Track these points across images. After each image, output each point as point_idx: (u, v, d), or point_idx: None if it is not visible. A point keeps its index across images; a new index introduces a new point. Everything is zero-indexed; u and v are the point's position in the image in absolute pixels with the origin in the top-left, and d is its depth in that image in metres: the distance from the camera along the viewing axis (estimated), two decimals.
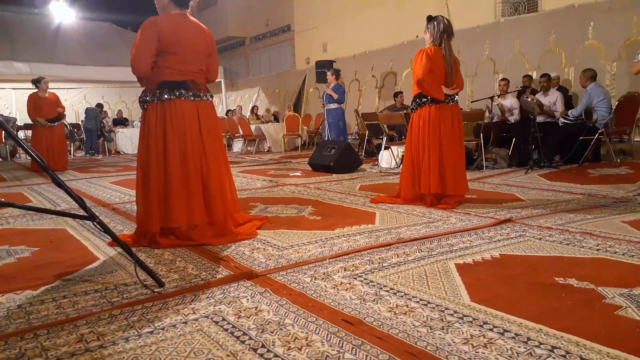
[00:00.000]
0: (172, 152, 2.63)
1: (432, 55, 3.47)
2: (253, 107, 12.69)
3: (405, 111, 7.08)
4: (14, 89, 13.02)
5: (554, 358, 1.30)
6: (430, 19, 3.57)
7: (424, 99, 3.58)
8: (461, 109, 7.50)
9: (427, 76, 3.48)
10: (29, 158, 6.94)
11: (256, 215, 3.31)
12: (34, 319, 1.68)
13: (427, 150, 3.54)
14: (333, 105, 7.56)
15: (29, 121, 8.02)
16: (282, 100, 13.71)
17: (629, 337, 1.42)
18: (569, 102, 6.60)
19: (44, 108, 7.36)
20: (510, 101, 6.54)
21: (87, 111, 11.60)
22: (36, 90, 7.43)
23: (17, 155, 11.27)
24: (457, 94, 3.66)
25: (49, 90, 7.54)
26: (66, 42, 11.44)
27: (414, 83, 3.63)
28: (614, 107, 5.74)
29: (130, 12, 12.47)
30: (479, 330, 1.48)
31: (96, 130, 11.39)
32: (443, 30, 3.51)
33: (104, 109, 12.77)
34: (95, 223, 1.96)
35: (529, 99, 5.92)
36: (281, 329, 1.54)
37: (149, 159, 2.64)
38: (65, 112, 7.87)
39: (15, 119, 11.42)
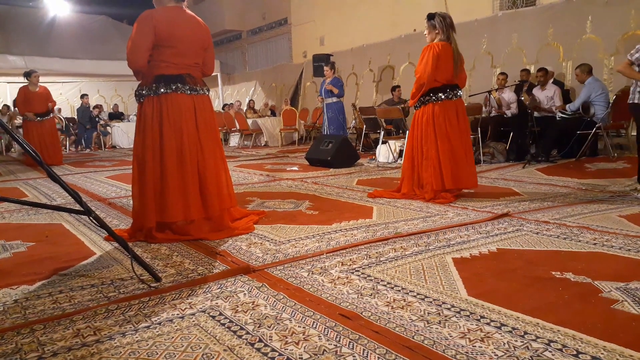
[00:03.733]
0: (168, 146, 2.61)
1: (440, 52, 3.44)
2: (250, 101, 12.64)
3: (402, 105, 7.06)
4: (8, 82, 12.93)
5: (550, 352, 1.31)
6: (432, 15, 3.52)
7: (427, 97, 3.57)
8: None
9: (430, 79, 3.46)
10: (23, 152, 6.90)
11: (253, 210, 3.31)
12: (30, 314, 1.67)
13: (434, 148, 3.53)
14: (332, 99, 7.53)
15: None
16: (279, 94, 13.66)
17: (625, 330, 1.42)
18: (566, 97, 6.60)
19: (33, 102, 7.25)
20: (508, 95, 6.53)
21: (78, 111, 11.57)
22: (27, 83, 7.33)
23: (13, 149, 11.21)
24: (460, 89, 3.65)
25: (40, 84, 7.44)
26: (61, 35, 11.35)
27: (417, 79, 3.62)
28: (611, 102, 5.75)
29: (126, 5, 12.38)
30: (476, 325, 1.49)
31: (86, 123, 11.31)
32: (450, 24, 3.50)
33: (91, 102, 12.69)
34: (91, 218, 1.95)
35: (522, 99, 5.92)
36: (278, 323, 1.54)
37: (145, 153, 2.63)
38: (55, 106, 7.76)
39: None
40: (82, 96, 11.98)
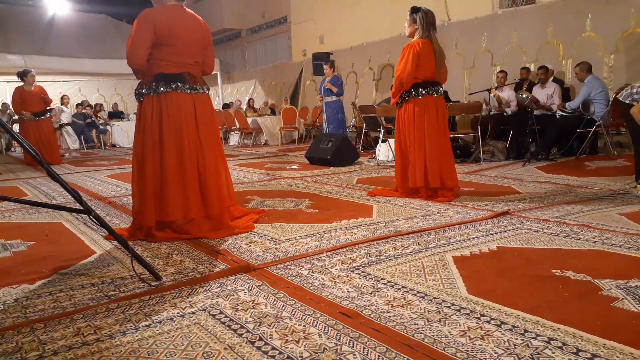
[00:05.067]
0: (168, 145, 2.61)
1: (420, 50, 3.43)
2: (249, 100, 12.64)
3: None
4: (8, 82, 12.92)
5: (550, 349, 1.31)
6: (416, 9, 3.51)
7: (407, 93, 3.57)
8: (458, 101, 7.46)
9: (410, 78, 3.46)
10: (24, 152, 6.93)
11: (253, 209, 3.31)
12: (30, 313, 1.68)
13: (413, 144, 3.54)
14: (331, 98, 7.53)
15: None
16: (278, 93, 13.65)
17: (625, 328, 1.42)
18: (566, 95, 6.59)
19: (29, 102, 7.25)
20: (507, 93, 6.53)
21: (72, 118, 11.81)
22: (22, 83, 7.32)
23: (13, 149, 11.21)
24: (441, 86, 3.65)
25: (39, 83, 7.44)
26: (61, 34, 11.33)
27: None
28: (611, 100, 5.74)
29: (126, 3, 12.36)
30: (476, 323, 1.49)
31: (79, 127, 11.48)
32: (431, 22, 3.48)
33: (91, 101, 12.97)
34: (91, 217, 1.95)
35: (523, 95, 5.91)
36: (278, 322, 1.54)
37: (144, 152, 2.63)
38: (51, 102, 7.74)
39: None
40: (77, 105, 12.12)
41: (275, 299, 1.72)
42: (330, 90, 7.43)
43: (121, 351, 1.37)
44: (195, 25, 2.72)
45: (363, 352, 1.33)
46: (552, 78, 6.52)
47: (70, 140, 11.36)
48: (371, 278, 1.91)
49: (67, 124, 11.22)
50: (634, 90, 3.63)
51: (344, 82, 11.03)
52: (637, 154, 3.74)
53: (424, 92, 3.52)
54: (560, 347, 1.32)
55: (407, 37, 3.59)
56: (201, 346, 1.39)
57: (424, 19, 3.46)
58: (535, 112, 5.98)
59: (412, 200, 3.55)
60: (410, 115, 3.56)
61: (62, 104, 11.52)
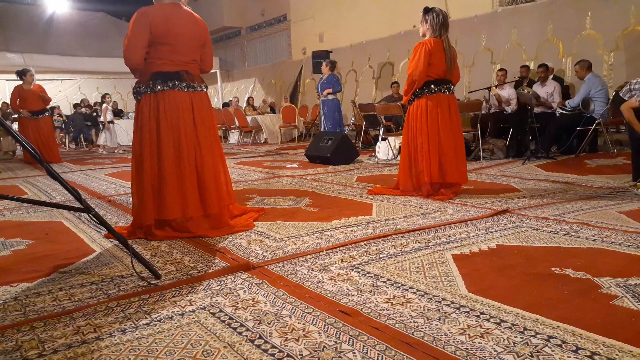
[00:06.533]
0: (165, 143, 2.61)
1: (431, 49, 3.46)
2: (249, 98, 12.63)
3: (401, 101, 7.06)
4: (7, 80, 12.91)
5: (550, 347, 1.31)
6: (428, 10, 3.55)
7: (420, 90, 3.58)
8: (458, 99, 7.46)
9: (422, 75, 3.48)
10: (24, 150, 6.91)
11: (253, 207, 3.31)
12: (30, 311, 1.68)
13: (426, 140, 3.54)
14: (329, 96, 7.53)
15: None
16: (278, 91, 13.65)
17: (624, 326, 1.42)
18: (565, 93, 6.59)
19: (28, 101, 7.26)
20: (507, 92, 6.52)
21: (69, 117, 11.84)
22: (21, 82, 7.32)
23: (15, 150, 11.21)
24: (454, 85, 3.66)
25: (39, 81, 7.45)
26: (60, 32, 11.34)
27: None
28: (611, 98, 5.74)
29: (125, 2, 12.34)
30: (476, 321, 1.49)
31: (78, 126, 11.52)
32: (442, 22, 3.51)
33: (90, 99, 12.99)
34: (90, 215, 1.95)
35: (525, 91, 5.91)
36: (278, 320, 1.54)
37: (142, 151, 2.62)
38: (49, 100, 7.73)
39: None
40: (75, 105, 12.11)
41: (274, 297, 1.73)
42: (327, 87, 7.45)
43: (121, 349, 1.38)
44: (192, 22, 2.71)
45: (362, 350, 1.33)
46: (552, 76, 6.52)
47: (106, 138, 11.39)
48: (371, 276, 1.91)
49: (110, 122, 11.30)
50: (632, 86, 3.64)
51: (344, 81, 11.05)
52: (634, 152, 3.74)
53: (436, 89, 3.54)
54: (560, 345, 1.32)
55: (421, 36, 3.62)
56: (201, 344, 1.39)
57: (435, 20, 3.49)
58: (535, 110, 5.98)
59: (411, 198, 3.55)
60: (422, 111, 3.56)
61: (103, 101, 11.58)
